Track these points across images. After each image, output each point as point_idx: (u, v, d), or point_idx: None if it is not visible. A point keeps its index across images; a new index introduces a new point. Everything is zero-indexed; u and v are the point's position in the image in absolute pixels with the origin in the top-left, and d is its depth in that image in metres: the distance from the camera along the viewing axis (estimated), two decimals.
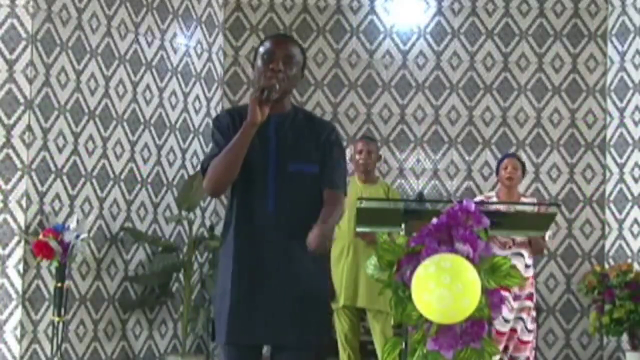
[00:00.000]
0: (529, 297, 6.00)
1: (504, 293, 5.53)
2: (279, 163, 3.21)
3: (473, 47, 7.82)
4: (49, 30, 6.54)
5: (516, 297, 5.94)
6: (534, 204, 5.62)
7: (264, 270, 3.18)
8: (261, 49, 3.27)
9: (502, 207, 5.00)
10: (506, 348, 5.97)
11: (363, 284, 5.77)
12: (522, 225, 3.89)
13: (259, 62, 3.24)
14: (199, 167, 7.34)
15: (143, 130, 7.20)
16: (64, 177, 6.62)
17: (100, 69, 6.89)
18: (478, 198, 6.32)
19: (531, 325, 6.02)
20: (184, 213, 7.23)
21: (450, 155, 7.78)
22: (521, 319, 5.98)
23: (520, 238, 5.93)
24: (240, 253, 3.21)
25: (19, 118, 6.38)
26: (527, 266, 6.00)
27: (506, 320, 5.92)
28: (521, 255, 5.98)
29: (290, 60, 3.23)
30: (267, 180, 3.20)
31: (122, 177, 7.02)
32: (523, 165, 6.30)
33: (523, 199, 6.20)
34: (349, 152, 6.23)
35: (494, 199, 6.16)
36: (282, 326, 3.17)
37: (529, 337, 6.02)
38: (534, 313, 6.07)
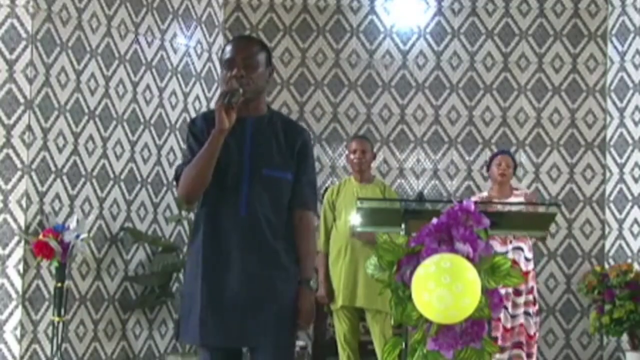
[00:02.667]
0: (531, 290, 6.05)
1: (505, 288, 5.57)
2: (253, 167, 3.20)
3: (473, 47, 7.82)
4: (49, 30, 6.54)
5: (519, 293, 5.96)
6: (528, 204, 5.64)
7: (234, 272, 3.16)
8: (223, 56, 3.27)
9: (498, 207, 5.01)
10: (520, 344, 5.99)
11: (362, 284, 5.76)
12: (522, 225, 3.89)
13: (222, 69, 3.26)
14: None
15: (143, 130, 7.20)
16: (64, 177, 6.62)
17: (100, 69, 6.89)
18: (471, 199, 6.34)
19: (536, 318, 6.07)
20: (184, 213, 7.23)
21: (450, 155, 7.78)
22: (528, 313, 6.02)
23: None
24: (209, 255, 3.19)
25: (19, 118, 6.38)
26: (527, 260, 6.06)
27: (512, 316, 5.94)
28: (521, 249, 6.04)
29: (251, 62, 3.21)
30: (240, 183, 3.18)
31: (122, 177, 7.02)
32: (515, 163, 6.35)
33: (515, 192, 6.23)
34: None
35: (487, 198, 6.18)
36: (254, 328, 3.16)
37: (534, 330, 6.06)
38: (537, 306, 6.11)
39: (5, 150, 6.36)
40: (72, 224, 6.35)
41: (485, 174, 7.68)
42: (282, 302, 3.21)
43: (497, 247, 5.93)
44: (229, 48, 3.25)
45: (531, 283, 6.07)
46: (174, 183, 3.27)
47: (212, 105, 7.69)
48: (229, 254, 3.17)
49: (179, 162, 7.39)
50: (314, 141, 7.51)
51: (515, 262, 5.89)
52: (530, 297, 6.05)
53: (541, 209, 3.99)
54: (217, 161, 3.14)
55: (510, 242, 6.04)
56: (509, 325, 5.95)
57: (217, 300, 3.16)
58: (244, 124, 3.20)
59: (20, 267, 6.33)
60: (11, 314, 6.31)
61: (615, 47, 7.71)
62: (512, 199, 6.09)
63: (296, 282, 3.28)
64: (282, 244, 3.23)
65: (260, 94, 3.28)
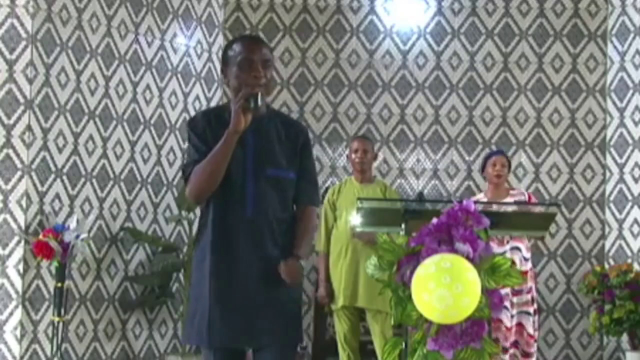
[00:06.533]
0: (530, 290, 6.05)
1: (504, 289, 5.58)
2: (257, 168, 3.22)
3: (473, 47, 7.82)
4: (49, 30, 6.54)
5: (517, 292, 5.97)
6: (526, 203, 5.64)
7: (241, 272, 3.18)
8: (232, 54, 3.25)
9: (494, 207, 5.02)
10: (516, 343, 6.01)
11: (362, 284, 5.77)
12: (522, 225, 3.89)
13: (235, 69, 3.22)
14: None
15: (143, 130, 7.20)
16: (64, 177, 6.62)
17: (100, 69, 6.89)
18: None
19: (535, 317, 6.08)
20: (184, 213, 7.23)
21: (450, 155, 7.78)
22: (527, 313, 6.02)
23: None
24: (216, 256, 3.21)
25: (19, 118, 6.38)
26: (525, 259, 6.06)
27: (511, 316, 5.95)
28: (518, 249, 6.04)
29: (267, 63, 3.24)
30: (245, 184, 3.20)
31: (122, 177, 7.02)
32: (509, 163, 6.37)
33: (511, 192, 6.23)
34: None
35: (484, 200, 6.18)
36: (260, 328, 3.18)
37: (534, 329, 6.07)
38: (535, 306, 6.12)
39: (5, 150, 6.36)
40: (72, 224, 6.35)
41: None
42: (287, 301, 3.22)
43: (495, 248, 5.93)
44: (241, 47, 3.24)
45: (530, 283, 6.08)
46: (184, 182, 3.27)
47: (212, 105, 7.71)
48: (236, 254, 3.19)
49: (179, 162, 7.41)
50: (313, 141, 7.52)
51: (513, 262, 5.89)
52: (529, 296, 6.06)
53: (541, 209, 3.99)
54: None
55: (508, 242, 6.04)
56: (509, 325, 5.97)
57: (225, 300, 3.18)
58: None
59: (20, 267, 6.33)
60: (11, 314, 6.31)
61: (615, 47, 7.71)
62: (509, 199, 6.09)
63: (299, 285, 3.29)
64: (287, 242, 3.24)
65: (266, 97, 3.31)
